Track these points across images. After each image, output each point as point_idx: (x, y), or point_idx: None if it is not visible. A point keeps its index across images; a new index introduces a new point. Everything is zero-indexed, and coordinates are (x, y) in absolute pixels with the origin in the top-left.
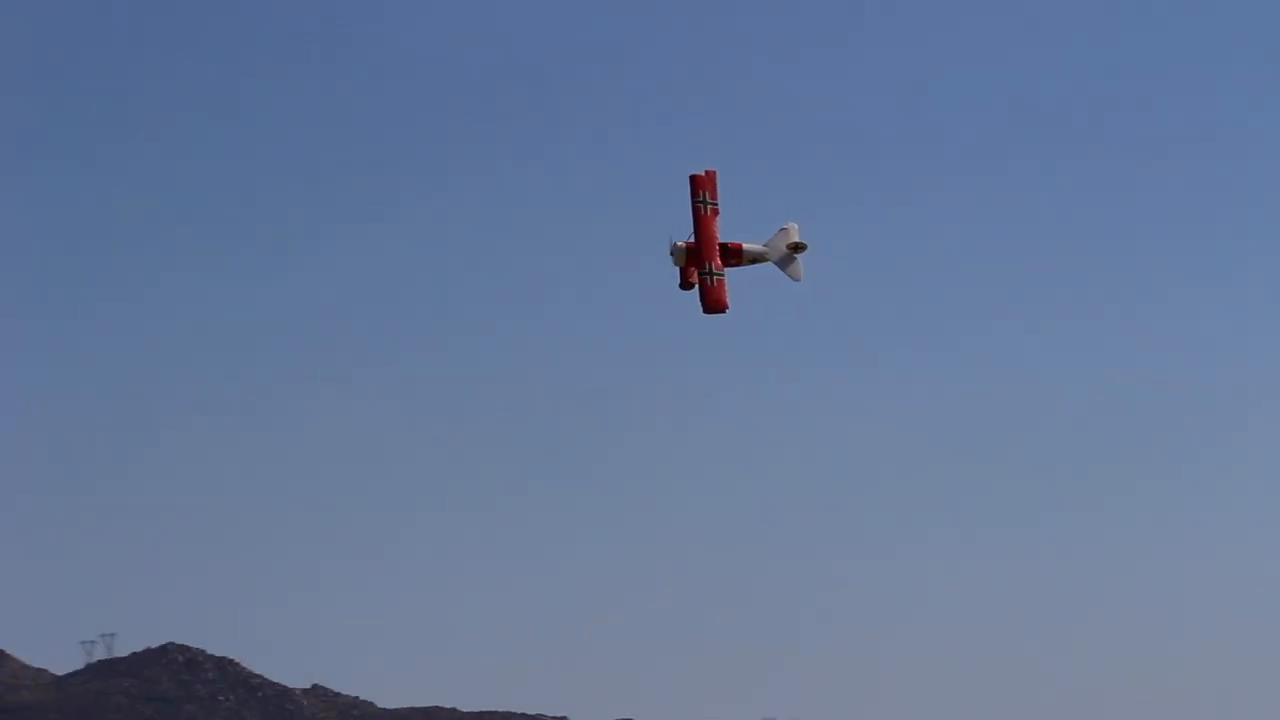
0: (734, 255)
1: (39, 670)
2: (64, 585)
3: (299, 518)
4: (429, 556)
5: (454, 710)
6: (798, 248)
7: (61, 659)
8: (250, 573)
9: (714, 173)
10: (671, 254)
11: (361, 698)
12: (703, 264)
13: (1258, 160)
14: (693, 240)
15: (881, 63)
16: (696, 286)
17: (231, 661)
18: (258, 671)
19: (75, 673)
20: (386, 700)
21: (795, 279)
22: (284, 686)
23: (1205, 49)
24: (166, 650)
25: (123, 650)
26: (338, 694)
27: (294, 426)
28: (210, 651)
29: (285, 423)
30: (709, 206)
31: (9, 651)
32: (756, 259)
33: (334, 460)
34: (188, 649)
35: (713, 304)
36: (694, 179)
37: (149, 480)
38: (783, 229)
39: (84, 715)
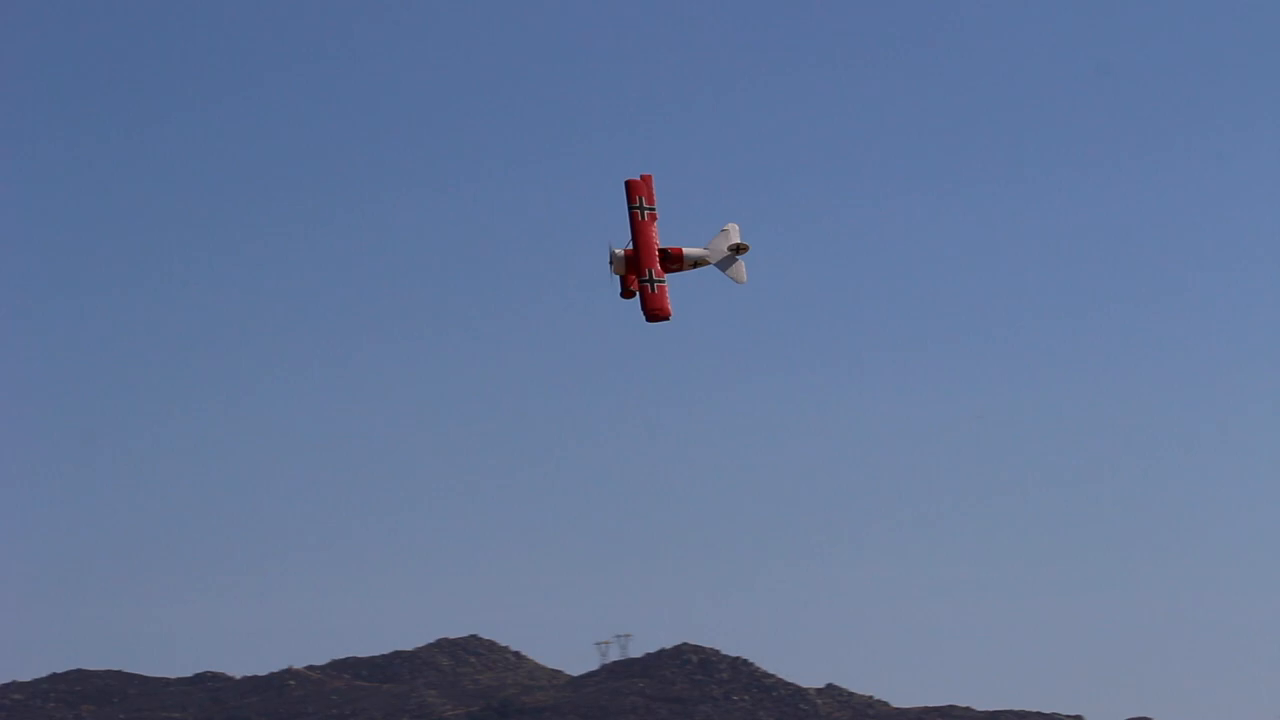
0: (674, 260)
1: (554, 671)
2: (580, 587)
3: (811, 519)
4: (936, 556)
5: (968, 709)
6: (739, 249)
7: (577, 660)
8: (763, 573)
9: (649, 177)
10: (610, 263)
11: (876, 697)
12: (643, 271)
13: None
14: (631, 247)
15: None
16: (637, 295)
17: (745, 661)
18: (771, 671)
19: (590, 674)
20: (900, 699)
21: (739, 281)
22: (798, 686)
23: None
24: (680, 651)
25: (637, 651)
26: (851, 693)
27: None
28: (724, 651)
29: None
30: (646, 212)
31: (525, 653)
32: (698, 263)
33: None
34: (701, 649)
35: (654, 311)
36: (629, 184)
37: (649, 481)
38: (723, 230)
39: (599, 716)
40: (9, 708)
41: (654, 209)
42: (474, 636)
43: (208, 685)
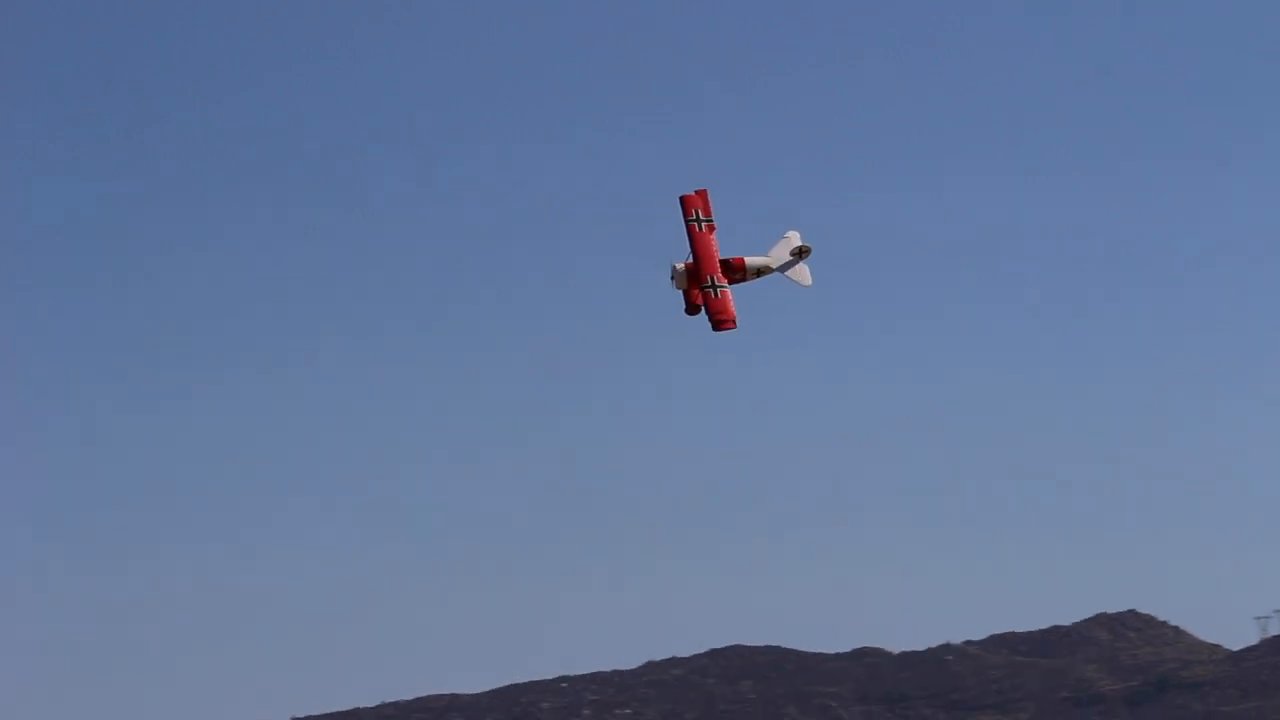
0: (737, 270)
1: (1213, 646)
2: (1239, 562)
3: None
4: None
5: None
6: (802, 252)
7: (1236, 635)
8: None
9: (705, 191)
10: (672, 278)
11: None
12: (704, 279)
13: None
14: (691, 260)
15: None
16: (704, 307)
17: None
18: None
19: (1250, 648)
20: None
21: (804, 284)
22: None
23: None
24: None
25: None
26: None
27: None
28: None
29: None
30: (704, 223)
31: (1184, 628)
32: (761, 271)
33: None
34: None
35: (719, 317)
36: (684, 200)
37: None
38: (784, 237)
39: (1260, 691)
40: (668, 683)
41: (711, 220)
42: (1132, 611)
43: (866, 660)
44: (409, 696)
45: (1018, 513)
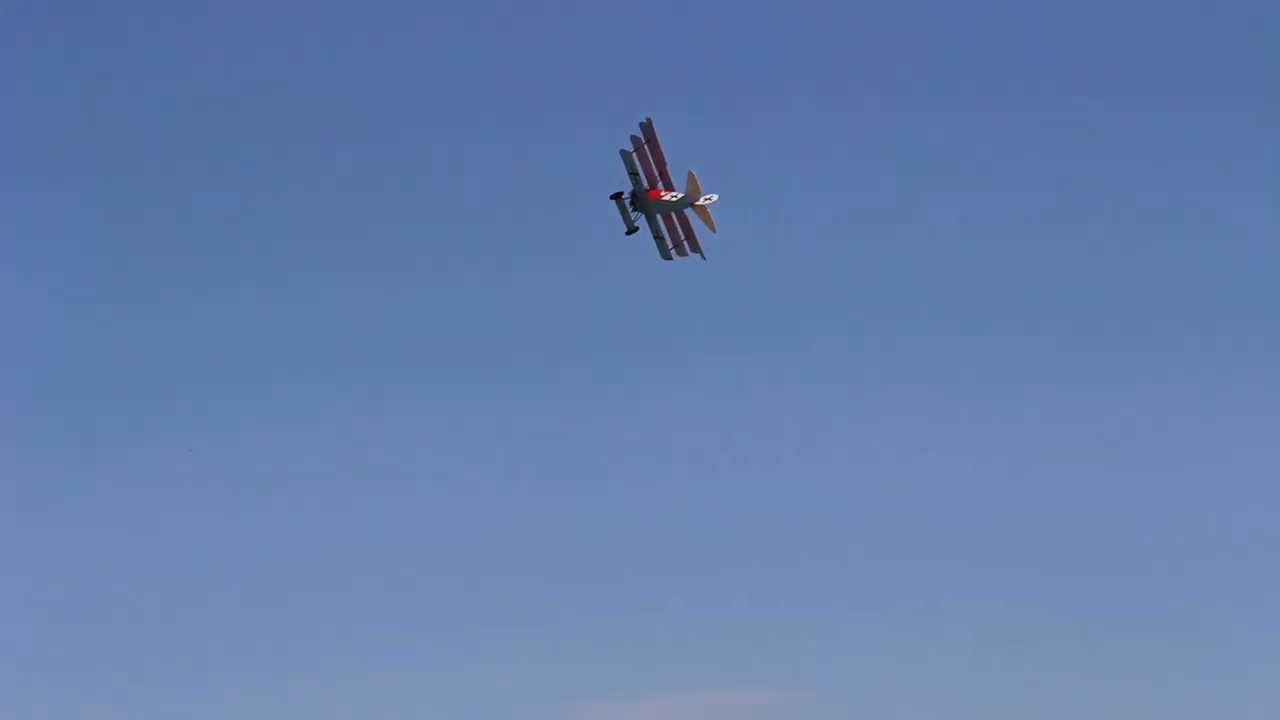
0: (653, 198)
1: None
2: None
3: None
4: None
5: None
6: (694, 190)
7: None
8: None
9: (649, 123)
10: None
11: None
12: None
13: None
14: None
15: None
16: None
17: None
18: None
19: None
20: None
21: (711, 230)
22: None
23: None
24: None
25: None
26: None
27: None
28: None
29: None
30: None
31: None
32: (673, 206)
33: None
34: None
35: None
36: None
37: None
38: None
39: None
40: None
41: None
42: None
43: None
44: None
45: None
